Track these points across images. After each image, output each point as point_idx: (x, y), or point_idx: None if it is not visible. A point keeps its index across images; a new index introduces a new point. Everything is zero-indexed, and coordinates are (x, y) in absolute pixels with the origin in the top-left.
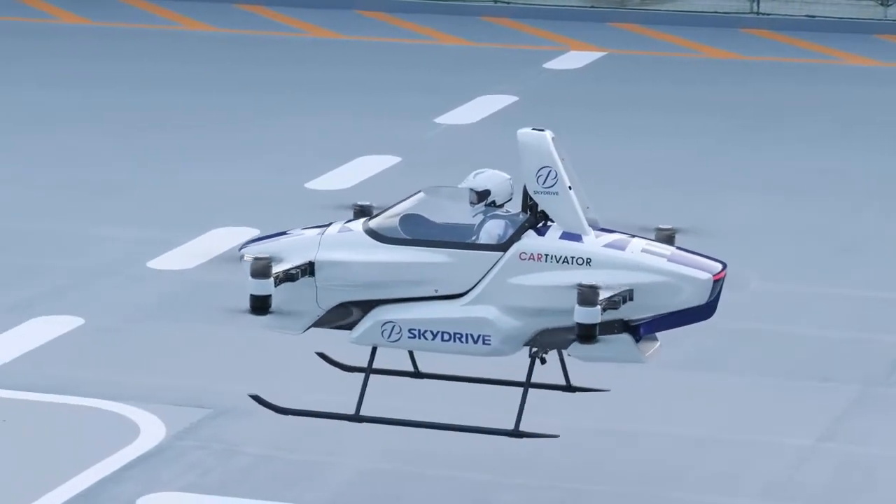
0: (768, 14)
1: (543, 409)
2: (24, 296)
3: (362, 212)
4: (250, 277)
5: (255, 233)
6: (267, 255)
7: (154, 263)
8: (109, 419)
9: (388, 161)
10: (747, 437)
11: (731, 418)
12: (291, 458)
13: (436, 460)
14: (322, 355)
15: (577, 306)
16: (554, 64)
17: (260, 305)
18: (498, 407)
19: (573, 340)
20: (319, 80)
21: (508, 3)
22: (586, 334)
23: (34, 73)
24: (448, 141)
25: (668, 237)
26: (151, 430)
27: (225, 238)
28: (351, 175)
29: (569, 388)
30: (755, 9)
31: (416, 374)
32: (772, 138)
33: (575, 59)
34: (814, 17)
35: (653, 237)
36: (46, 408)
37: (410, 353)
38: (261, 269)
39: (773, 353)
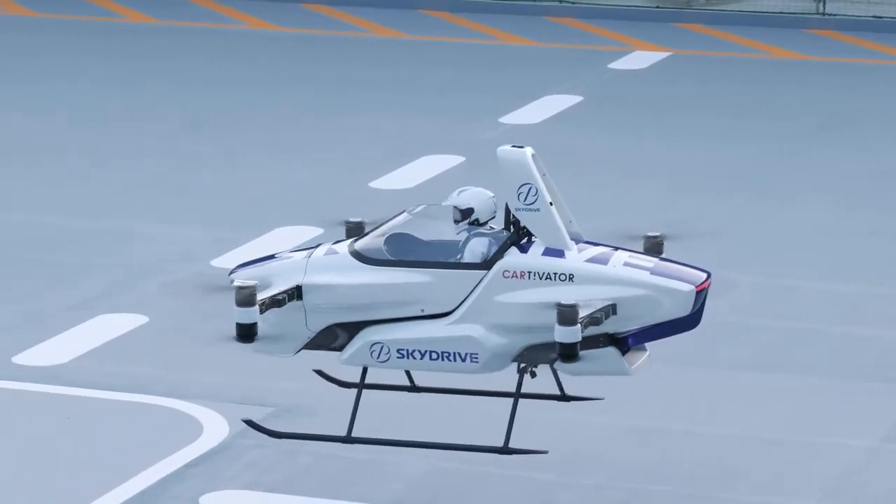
0: (834, 14)
1: (600, 410)
2: (89, 293)
3: (354, 229)
4: (235, 306)
5: (319, 232)
6: (254, 282)
7: (218, 262)
8: (173, 417)
9: (451, 161)
10: (808, 438)
11: (792, 419)
12: (354, 456)
13: (499, 459)
14: (319, 372)
15: (557, 326)
16: (618, 64)
17: (245, 333)
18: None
19: (556, 358)
20: (384, 79)
21: (573, 2)
22: (568, 353)
23: (100, 71)
24: (512, 141)
25: (656, 244)
26: (214, 428)
27: (289, 237)
28: (415, 174)
29: (563, 397)
30: (820, 9)
31: (413, 389)
32: (835, 140)
33: (639, 59)
34: (880, 17)
35: (641, 245)
36: (110, 405)
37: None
38: (245, 299)
39: (833, 354)
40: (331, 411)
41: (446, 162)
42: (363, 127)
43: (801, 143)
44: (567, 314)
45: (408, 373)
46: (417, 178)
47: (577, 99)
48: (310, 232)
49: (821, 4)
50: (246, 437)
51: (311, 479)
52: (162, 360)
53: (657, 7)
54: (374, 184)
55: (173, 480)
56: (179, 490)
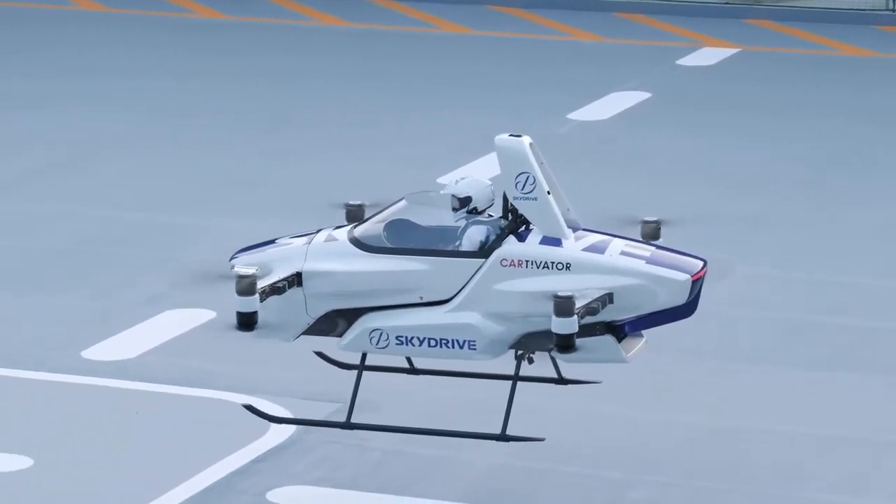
0: None
1: (670, 408)
2: (158, 288)
3: (354, 211)
4: (236, 295)
5: None
6: (254, 270)
7: None
8: (241, 412)
9: None
10: (882, 437)
11: (866, 418)
12: (423, 452)
13: (567, 457)
14: (320, 354)
15: (553, 317)
16: (687, 60)
17: (246, 322)
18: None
19: (553, 348)
20: (452, 75)
21: None
22: (564, 344)
23: (172, 67)
24: (580, 137)
25: (653, 229)
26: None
27: None
28: (483, 171)
29: (560, 380)
30: (891, 6)
31: (412, 371)
32: None
33: (708, 55)
34: None
35: (639, 230)
36: (178, 400)
37: None
38: (246, 287)
39: None
40: (396, 407)
41: None
42: (430, 122)
43: (872, 142)
44: (563, 305)
45: (407, 357)
46: (486, 174)
47: (646, 95)
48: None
49: (892, 1)
50: (314, 433)
51: (378, 475)
52: (230, 355)
53: (726, 3)
54: (442, 179)
55: (241, 476)
56: (247, 485)
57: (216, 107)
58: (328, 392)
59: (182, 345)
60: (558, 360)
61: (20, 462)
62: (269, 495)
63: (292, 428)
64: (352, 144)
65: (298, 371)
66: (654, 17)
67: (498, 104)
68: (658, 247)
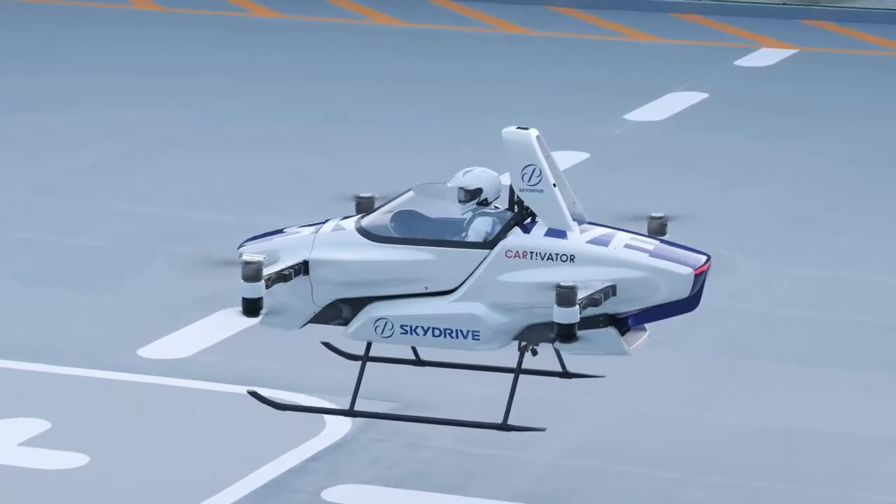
0: None
1: (725, 409)
2: (213, 287)
3: (364, 203)
4: (242, 281)
5: None
6: (261, 256)
7: None
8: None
9: (576, 157)
10: None
11: None
12: (477, 452)
13: (624, 456)
14: (327, 345)
15: (555, 307)
16: (745, 61)
17: (251, 307)
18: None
19: (555, 338)
20: (509, 75)
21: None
22: (566, 334)
23: (227, 65)
24: (637, 138)
25: (660, 225)
26: (337, 422)
27: None
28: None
29: (565, 374)
30: None
31: (418, 363)
32: None
33: (766, 56)
34: None
35: (646, 225)
36: (233, 399)
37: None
38: (252, 273)
39: None
40: (452, 406)
41: (571, 158)
42: (489, 123)
43: None
44: (566, 295)
45: (413, 348)
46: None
47: (703, 96)
48: None
49: None
50: (368, 432)
51: (433, 474)
52: (285, 354)
53: (784, 4)
54: (501, 179)
55: (296, 474)
56: (302, 484)
57: (271, 105)
58: (381, 391)
59: (237, 343)
60: (561, 352)
61: (77, 459)
62: (324, 494)
63: (346, 427)
64: (406, 144)
65: (352, 370)
66: (712, 17)
67: (555, 104)
68: (663, 241)
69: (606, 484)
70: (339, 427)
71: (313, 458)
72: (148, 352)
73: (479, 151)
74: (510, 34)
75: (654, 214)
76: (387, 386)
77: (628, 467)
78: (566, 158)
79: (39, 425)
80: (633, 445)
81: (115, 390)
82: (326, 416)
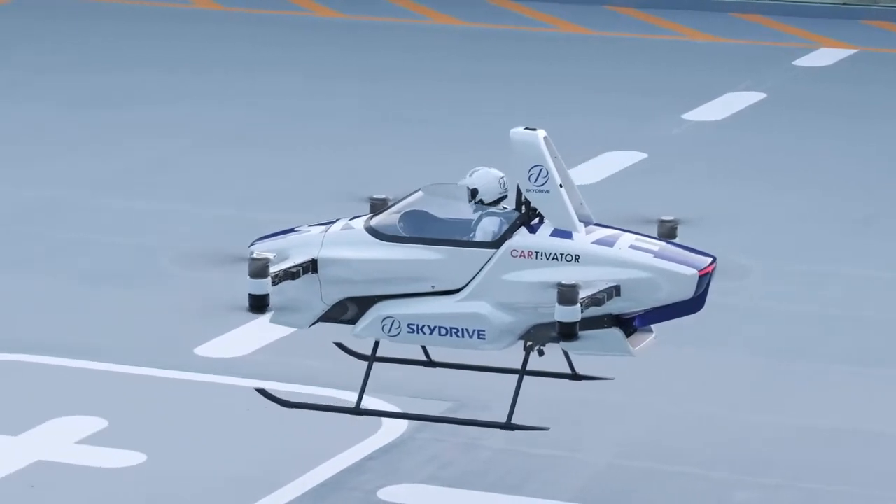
0: None
1: (778, 410)
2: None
3: (378, 205)
4: (248, 277)
5: None
6: (268, 254)
7: None
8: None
9: (634, 157)
10: None
11: None
12: (532, 452)
13: (675, 457)
14: (339, 345)
15: (557, 305)
16: (804, 61)
17: (257, 304)
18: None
19: (556, 338)
20: (567, 74)
21: None
22: (567, 332)
23: (287, 64)
24: (694, 138)
25: (670, 228)
26: (393, 422)
27: None
28: (597, 170)
29: (574, 376)
30: None
31: (429, 364)
32: None
33: (825, 56)
34: None
35: (656, 229)
36: (289, 398)
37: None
38: (258, 270)
39: None
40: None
41: (628, 158)
42: (545, 122)
43: None
44: (567, 294)
45: (424, 349)
46: (599, 175)
47: (761, 96)
48: None
49: None
50: (424, 432)
51: (490, 474)
52: (339, 353)
53: (843, 4)
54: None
55: (352, 473)
56: (358, 483)
57: (330, 105)
58: (437, 390)
59: (292, 343)
60: (566, 351)
61: (133, 458)
62: (380, 493)
63: (403, 426)
64: (461, 144)
65: (408, 370)
66: (770, 17)
67: (613, 104)
68: (670, 243)
69: (659, 485)
70: (395, 426)
71: (370, 458)
72: (204, 350)
73: None
74: (568, 34)
75: (664, 218)
76: (441, 384)
77: (680, 468)
78: (623, 158)
79: (96, 423)
80: (684, 446)
81: (172, 389)
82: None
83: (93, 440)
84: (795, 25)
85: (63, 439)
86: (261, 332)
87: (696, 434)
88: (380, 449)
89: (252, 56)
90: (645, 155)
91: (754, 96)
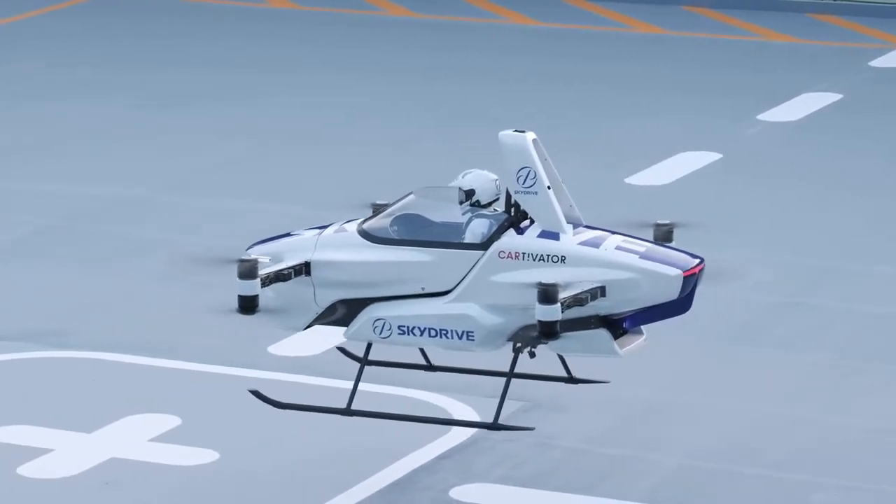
0: None
1: (853, 409)
2: None
3: (379, 210)
4: (237, 278)
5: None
6: (256, 256)
7: None
8: (425, 409)
9: (708, 157)
10: None
11: None
12: (605, 452)
13: (749, 459)
14: (341, 349)
15: (537, 304)
16: (879, 62)
17: (246, 305)
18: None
19: (538, 336)
20: (642, 74)
21: (835, 0)
22: (547, 331)
23: (363, 63)
24: (769, 138)
25: (666, 233)
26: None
27: None
28: (671, 171)
29: (570, 379)
30: None
31: (429, 368)
32: None
33: None
34: None
35: (651, 232)
36: (363, 397)
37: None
38: (247, 271)
39: None
40: (583, 408)
41: (703, 159)
42: (621, 123)
43: None
44: (547, 293)
45: (423, 352)
46: (673, 175)
47: (837, 97)
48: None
49: None
50: (497, 432)
51: (561, 474)
52: (414, 351)
53: None
54: (630, 180)
55: (425, 472)
56: (430, 482)
57: (403, 104)
58: (511, 390)
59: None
60: (555, 352)
61: (206, 455)
62: (452, 492)
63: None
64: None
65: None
66: (847, 17)
67: (688, 104)
68: (657, 244)
69: (732, 486)
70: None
71: (442, 457)
72: (278, 349)
73: (613, 151)
74: (644, 34)
75: (659, 222)
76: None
77: (754, 469)
78: (697, 159)
79: (170, 421)
80: (758, 448)
81: (246, 387)
82: (455, 415)
83: (166, 438)
84: (871, 26)
85: (137, 437)
86: (335, 330)
87: (771, 435)
88: (453, 448)
89: (327, 55)
90: (720, 155)
91: (830, 97)
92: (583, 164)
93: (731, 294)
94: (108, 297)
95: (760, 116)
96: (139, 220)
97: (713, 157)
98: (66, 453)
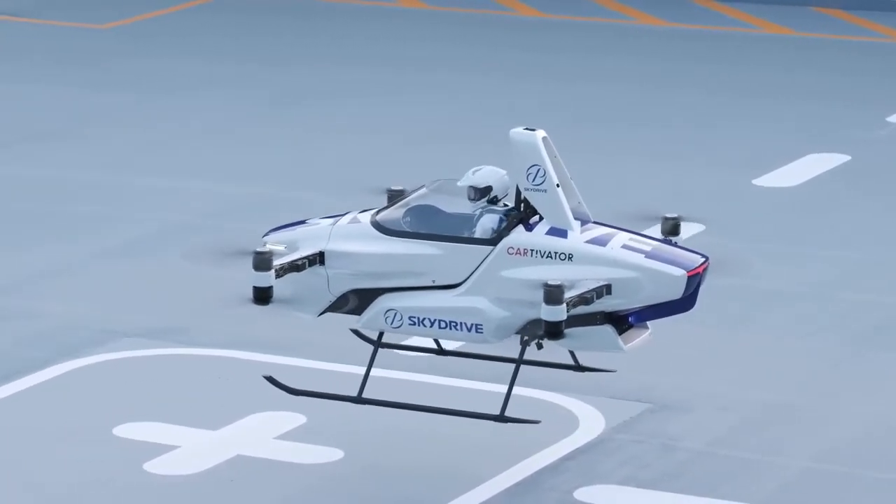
0: None
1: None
2: None
3: (394, 196)
4: (252, 270)
5: (701, 228)
6: (271, 247)
7: None
8: (550, 410)
9: (836, 159)
10: None
11: None
12: (730, 454)
13: (873, 462)
14: (356, 332)
15: (543, 304)
16: None
17: (261, 296)
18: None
19: (543, 335)
20: (770, 75)
21: None
22: (552, 331)
23: (491, 64)
24: None
25: (673, 226)
26: (591, 422)
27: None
28: (799, 173)
29: (577, 367)
30: None
31: (440, 352)
32: None
33: None
34: None
35: (659, 225)
36: (487, 397)
37: None
38: (261, 263)
39: None
40: (708, 409)
41: (831, 160)
42: (748, 125)
43: None
44: (552, 294)
45: (435, 339)
46: (801, 177)
47: None
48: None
49: None
50: (622, 433)
51: (686, 476)
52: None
53: None
54: (758, 181)
55: (549, 473)
56: (555, 483)
57: (530, 105)
58: (635, 390)
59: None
60: (560, 348)
61: (331, 454)
62: (577, 493)
63: (600, 427)
64: (666, 146)
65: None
66: None
67: (817, 106)
68: (667, 242)
69: (859, 491)
70: (593, 427)
71: (567, 458)
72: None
73: (741, 152)
74: (773, 35)
75: (667, 215)
76: (638, 385)
77: (878, 473)
78: (826, 160)
79: (295, 419)
80: (882, 450)
81: (370, 385)
82: (580, 417)
83: (291, 436)
84: None
85: (262, 435)
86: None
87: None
88: (577, 449)
89: (456, 54)
90: (848, 157)
91: None
92: (711, 165)
93: (859, 297)
94: (235, 295)
95: (890, 118)
96: (269, 217)
97: (841, 158)
98: (192, 450)
